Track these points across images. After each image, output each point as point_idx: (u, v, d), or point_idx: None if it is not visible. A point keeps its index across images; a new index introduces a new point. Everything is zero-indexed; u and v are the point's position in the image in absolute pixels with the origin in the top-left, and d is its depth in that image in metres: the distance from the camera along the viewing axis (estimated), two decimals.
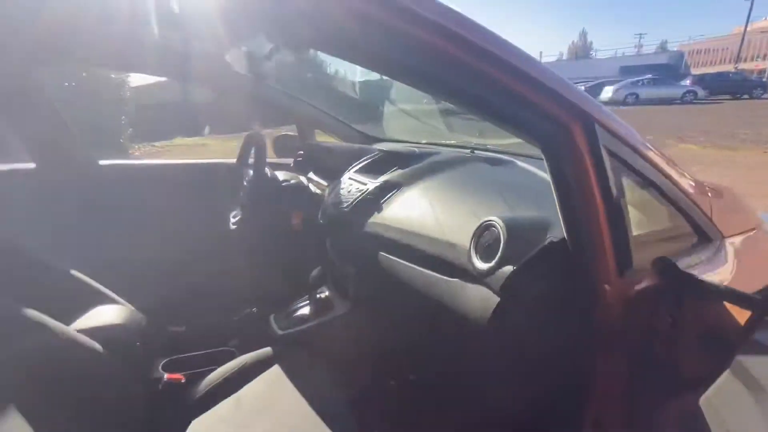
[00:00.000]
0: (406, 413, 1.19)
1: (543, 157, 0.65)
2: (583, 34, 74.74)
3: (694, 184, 0.87)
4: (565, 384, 0.76)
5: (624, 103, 19.31)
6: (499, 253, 0.72)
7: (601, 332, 0.66)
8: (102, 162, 1.64)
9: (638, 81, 20.49)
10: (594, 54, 71.15)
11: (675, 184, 0.77)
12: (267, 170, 1.48)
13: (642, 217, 0.80)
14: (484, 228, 0.80)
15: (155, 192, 1.59)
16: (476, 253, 0.79)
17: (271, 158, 1.79)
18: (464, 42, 0.53)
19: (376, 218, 1.15)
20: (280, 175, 1.56)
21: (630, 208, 0.71)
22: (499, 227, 0.75)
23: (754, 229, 1.00)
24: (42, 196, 1.40)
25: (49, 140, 1.41)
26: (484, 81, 0.56)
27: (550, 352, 0.73)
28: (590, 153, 0.62)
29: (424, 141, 1.92)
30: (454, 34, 0.52)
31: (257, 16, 0.53)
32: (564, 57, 71.90)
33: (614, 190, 0.64)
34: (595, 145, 0.62)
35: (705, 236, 0.85)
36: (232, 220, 1.51)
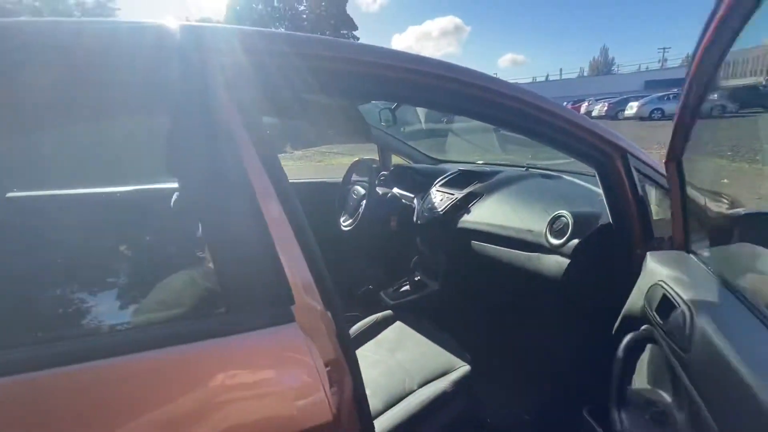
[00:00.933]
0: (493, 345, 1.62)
1: (595, 173, 1.10)
2: (604, 50, 74.76)
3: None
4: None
5: (649, 118, 19.28)
6: (569, 233, 1.18)
7: (635, 276, 1.09)
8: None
9: (664, 96, 20.40)
10: (617, 69, 70.78)
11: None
12: (373, 188, 1.99)
13: (659, 209, 1.23)
14: (556, 218, 1.26)
15: None
16: (551, 234, 1.25)
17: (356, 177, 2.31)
18: (536, 106, 0.98)
19: (466, 218, 1.63)
20: (380, 190, 2.07)
21: (652, 204, 1.15)
22: (567, 216, 1.21)
23: None
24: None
25: None
26: (564, 129, 1.02)
27: (605, 297, 1.16)
28: (625, 171, 1.07)
29: (480, 161, 2.41)
30: (529, 103, 0.98)
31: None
32: (585, 73, 71.80)
33: (640, 192, 1.08)
34: (628, 166, 1.07)
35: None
36: (344, 224, 2.02)
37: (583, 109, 26.71)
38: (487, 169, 1.88)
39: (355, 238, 1.92)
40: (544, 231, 1.28)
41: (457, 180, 1.87)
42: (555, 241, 1.22)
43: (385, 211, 1.95)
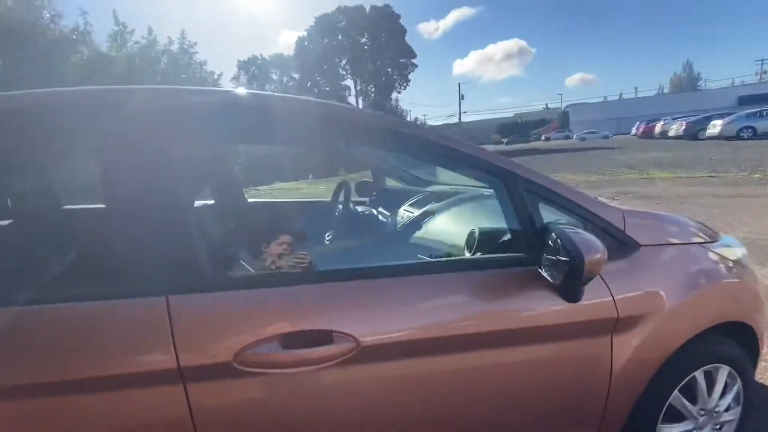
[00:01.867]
0: None
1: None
2: (688, 65, 68.30)
3: (604, 206, 1.33)
4: None
5: (737, 137, 17.23)
6: (474, 246, 1.30)
7: None
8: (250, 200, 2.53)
9: (756, 113, 18.18)
10: (703, 85, 64.24)
11: (579, 205, 1.24)
12: (350, 205, 2.22)
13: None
14: (470, 234, 1.37)
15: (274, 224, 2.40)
16: (466, 248, 1.36)
17: (356, 198, 2.55)
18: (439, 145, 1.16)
19: (417, 233, 1.77)
20: (360, 208, 2.29)
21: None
22: (476, 232, 1.32)
23: (679, 243, 1.37)
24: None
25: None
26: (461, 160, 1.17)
27: None
28: (511, 192, 1.17)
29: (459, 183, 2.53)
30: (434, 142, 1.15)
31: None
32: (665, 90, 66.14)
33: (529, 209, 1.17)
34: (514, 187, 1.17)
35: (620, 242, 1.28)
36: (327, 239, 2.25)
37: (657, 129, 24.56)
38: (448, 189, 2.02)
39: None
40: (463, 245, 1.40)
41: (424, 200, 2.03)
42: (467, 254, 1.34)
43: (358, 226, 2.16)
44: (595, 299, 1.15)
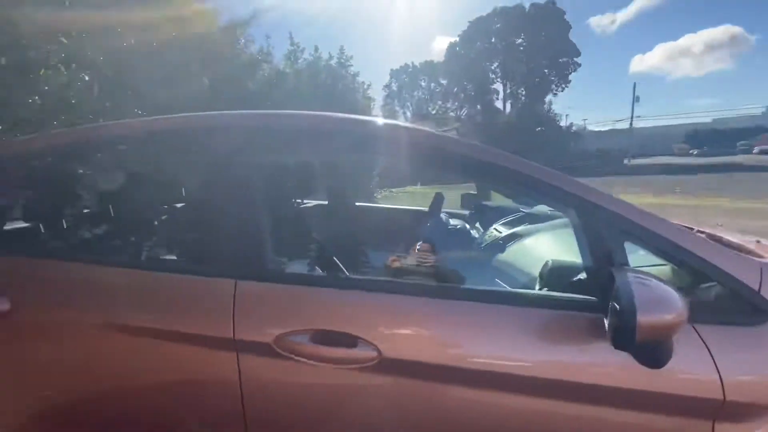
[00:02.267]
0: None
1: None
2: None
3: (731, 254, 0.99)
4: None
5: None
6: (543, 280, 1.18)
7: None
8: (357, 203, 2.78)
9: None
10: None
11: (686, 250, 0.97)
12: (443, 217, 2.23)
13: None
14: (544, 265, 1.25)
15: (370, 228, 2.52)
16: (539, 280, 1.25)
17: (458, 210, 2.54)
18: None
19: (499, 256, 1.68)
20: (454, 221, 2.28)
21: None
22: (549, 264, 1.20)
23: None
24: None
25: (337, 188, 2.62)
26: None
27: None
28: (585, 224, 1.02)
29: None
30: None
31: None
32: None
33: (607, 244, 1.00)
34: (592, 219, 1.01)
35: (750, 305, 0.95)
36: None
37: None
38: (548, 212, 1.82)
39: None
40: (536, 276, 1.28)
41: (518, 220, 1.90)
42: (536, 288, 1.23)
43: (443, 240, 2.14)
44: (690, 370, 0.92)
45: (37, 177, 1.52)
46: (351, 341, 0.97)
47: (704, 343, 0.91)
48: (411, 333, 1.01)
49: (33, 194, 1.54)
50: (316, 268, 1.28)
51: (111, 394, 1.10)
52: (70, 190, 1.68)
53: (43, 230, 1.52)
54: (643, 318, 0.74)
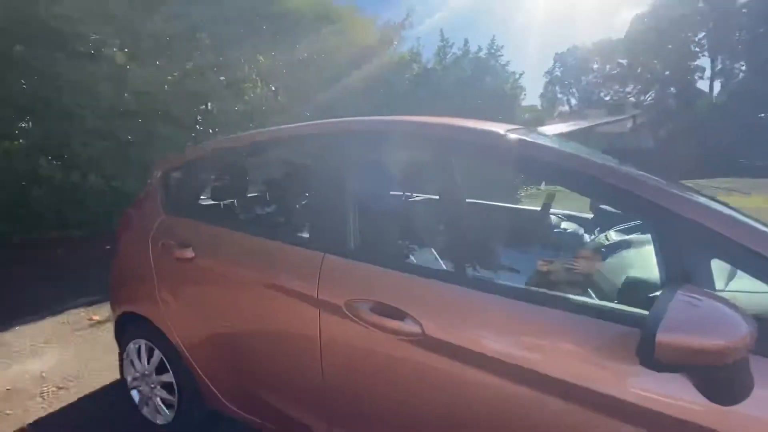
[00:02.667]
0: None
1: None
2: None
3: None
4: None
5: None
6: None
7: None
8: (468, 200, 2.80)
9: None
10: None
11: None
12: (553, 219, 2.10)
13: None
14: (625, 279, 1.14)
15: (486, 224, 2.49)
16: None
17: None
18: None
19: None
20: (566, 224, 2.11)
21: None
22: (630, 280, 1.10)
23: None
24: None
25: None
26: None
27: None
28: (663, 240, 0.91)
29: None
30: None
31: None
32: None
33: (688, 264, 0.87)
34: (672, 232, 0.90)
35: None
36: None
37: None
38: None
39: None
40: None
41: (634, 228, 1.66)
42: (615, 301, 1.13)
43: (550, 241, 2.01)
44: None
45: (226, 167, 2.13)
46: (400, 315, 1.13)
47: None
48: (454, 317, 1.10)
49: (221, 179, 2.17)
50: (391, 252, 1.47)
51: (240, 322, 1.52)
52: (243, 178, 2.29)
53: (221, 206, 2.15)
54: (665, 335, 0.67)
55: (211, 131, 7.21)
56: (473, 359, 1.02)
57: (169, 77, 6.96)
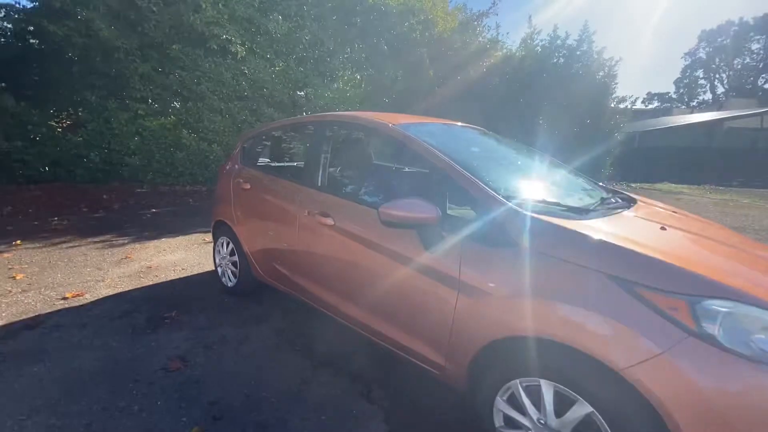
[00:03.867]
0: None
1: None
2: None
3: (496, 202, 1.31)
4: None
5: None
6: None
7: None
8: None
9: None
10: None
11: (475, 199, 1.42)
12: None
13: None
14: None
15: None
16: None
17: None
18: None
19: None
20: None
21: None
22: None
23: None
24: None
25: None
26: None
27: None
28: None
29: None
30: None
31: None
32: None
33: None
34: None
35: (497, 238, 1.34)
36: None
37: None
38: None
39: None
40: None
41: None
42: None
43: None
44: (446, 258, 1.45)
45: (271, 139, 3.14)
46: (328, 215, 1.96)
47: (461, 248, 1.41)
48: (344, 215, 1.90)
49: (268, 147, 3.18)
50: (328, 185, 2.30)
51: (270, 227, 2.49)
52: (279, 146, 3.29)
53: (269, 162, 3.16)
54: (382, 208, 1.44)
55: (304, 112, 8.63)
56: (351, 235, 1.83)
57: (276, 68, 8.48)
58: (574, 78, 9.66)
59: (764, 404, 0.93)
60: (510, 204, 1.39)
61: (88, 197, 6.59)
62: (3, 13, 8.26)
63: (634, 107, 11.43)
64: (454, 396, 1.76)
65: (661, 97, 46.72)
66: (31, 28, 8.19)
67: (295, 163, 3.10)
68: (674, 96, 45.25)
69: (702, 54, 43.92)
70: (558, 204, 1.52)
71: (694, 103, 43.53)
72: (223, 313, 2.59)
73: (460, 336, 1.42)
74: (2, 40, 8.54)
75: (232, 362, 2.05)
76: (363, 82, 8.93)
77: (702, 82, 44.33)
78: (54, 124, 8.42)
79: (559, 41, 9.76)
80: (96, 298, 2.77)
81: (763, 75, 41.70)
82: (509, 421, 1.34)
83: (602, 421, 1.09)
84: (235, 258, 2.76)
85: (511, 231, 1.33)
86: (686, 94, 44.26)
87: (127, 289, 2.94)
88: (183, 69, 7.93)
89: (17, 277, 3.07)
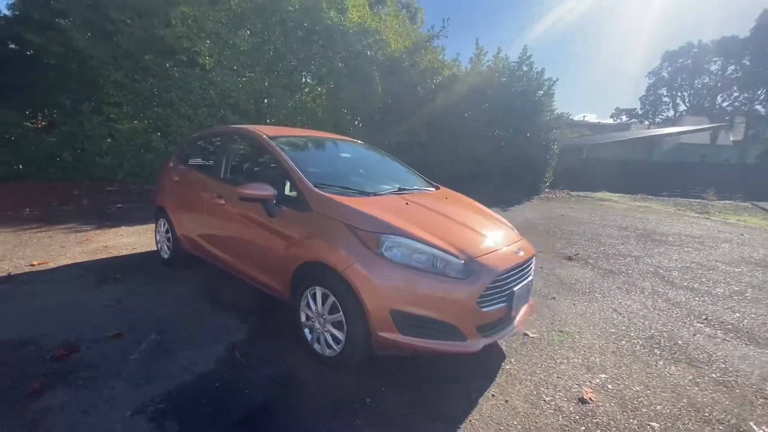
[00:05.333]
0: None
1: None
2: None
3: (303, 182, 2.20)
4: None
5: None
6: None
7: None
8: None
9: None
10: None
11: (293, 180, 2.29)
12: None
13: None
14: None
15: None
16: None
17: None
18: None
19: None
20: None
21: None
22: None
23: None
24: None
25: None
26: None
27: None
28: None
29: None
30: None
31: None
32: None
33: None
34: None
35: (301, 204, 2.18)
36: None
37: None
38: None
39: None
40: None
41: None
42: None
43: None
44: (288, 223, 2.28)
45: (196, 143, 3.97)
46: (221, 197, 2.80)
47: (285, 212, 2.27)
48: (224, 195, 2.75)
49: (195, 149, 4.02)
50: (220, 176, 3.16)
51: (191, 207, 3.31)
52: (203, 150, 4.13)
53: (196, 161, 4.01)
54: (238, 189, 2.30)
55: (268, 120, 9.43)
56: (230, 209, 2.68)
57: (242, 78, 9.28)
58: (514, 95, 10.80)
59: (400, 283, 1.82)
60: (312, 187, 2.26)
61: (59, 193, 7.24)
62: None
63: (601, 122, 12.65)
64: (292, 314, 2.61)
65: (629, 112, 49.20)
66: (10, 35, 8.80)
67: (211, 162, 3.94)
68: (640, 112, 47.73)
69: (665, 73, 46.65)
70: (350, 189, 2.40)
71: (659, 119, 46.09)
72: (157, 276, 3.38)
73: (285, 267, 2.27)
74: None
75: (154, 303, 2.84)
76: (323, 95, 9.82)
77: (666, 99, 47.02)
78: (29, 125, 9.01)
79: (502, 63, 10.93)
80: (57, 266, 3.52)
81: (720, 94, 44.62)
82: (308, 317, 2.19)
83: (336, 302, 1.97)
84: (170, 235, 3.56)
85: (310, 202, 2.20)
86: (651, 110, 46.80)
87: (84, 261, 3.70)
88: (154, 77, 8.66)
89: None
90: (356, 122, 9.66)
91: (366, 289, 1.86)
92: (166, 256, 3.65)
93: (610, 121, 48.29)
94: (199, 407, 1.75)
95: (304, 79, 9.58)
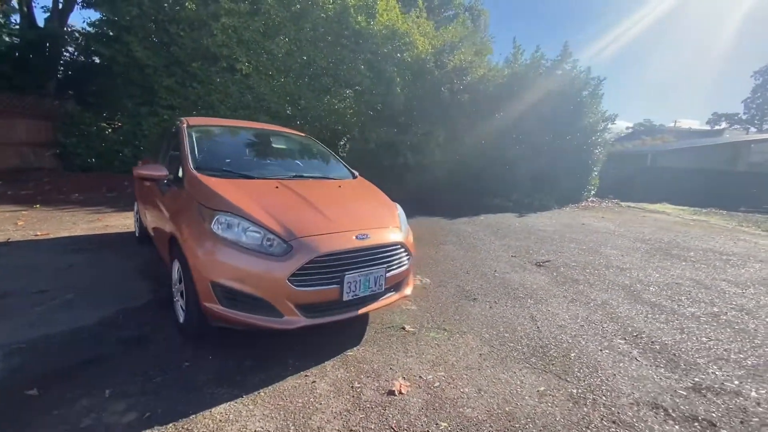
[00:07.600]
0: None
1: None
2: None
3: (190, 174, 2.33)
4: None
5: None
6: None
7: None
8: None
9: None
10: None
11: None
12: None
13: None
14: None
15: None
16: None
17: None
18: None
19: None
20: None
21: None
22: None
23: None
24: None
25: None
26: None
27: None
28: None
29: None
30: None
31: None
32: None
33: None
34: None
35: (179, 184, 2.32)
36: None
37: None
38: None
39: None
40: None
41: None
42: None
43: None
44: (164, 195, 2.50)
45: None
46: (159, 183, 3.11)
47: (170, 190, 2.45)
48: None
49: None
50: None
51: (145, 198, 3.71)
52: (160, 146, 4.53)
53: None
54: (134, 169, 2.57)
55: (298, 122, 10.00)
56: (153, 189, 2.96)
57: (276, 83, 9.96)
58: (552, 96, 10.09)
59: (222, 257, 1.92)
60: (190, 168, 2.44)
61: (111, 182, 8.41)
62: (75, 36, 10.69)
63: (692, 128, 11.37)
64: None
65: (730, 117, 42.89)
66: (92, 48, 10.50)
67: (158, 151, 4.35)
68: (744, 117, 41.34)
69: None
70: (232, 172, 2.54)
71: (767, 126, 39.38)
72: (121, 250, 3.85)
73: (165, 240, 2.50)
74: (68, 56, 11.00)
75: (97, 270, 3.26)
76: (350, 98, 10.14)
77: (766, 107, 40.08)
78: (105, 125, 10.61)
79: (539, 61, 10.29)
80: (55, 237, 4.17)
81: None
82: (175, 285, 2.38)
83: (180, 268, 2.14)
84: (138, 216, 4.02)
85: (185, 181, 2.40)
86: (757, 115, 40.24)
87: (78, 234, 4.33)
88: (199, 82, 9.68)
89: (18, 223, 4.60)
90: (380, 124, 9.78)
91: (193, 260, 1.99)
92: (137, 235, 4.13)
93: (707, 127, 42.52)
94: (51, 349, 2.03)
95: (332, 83, 9.98)
